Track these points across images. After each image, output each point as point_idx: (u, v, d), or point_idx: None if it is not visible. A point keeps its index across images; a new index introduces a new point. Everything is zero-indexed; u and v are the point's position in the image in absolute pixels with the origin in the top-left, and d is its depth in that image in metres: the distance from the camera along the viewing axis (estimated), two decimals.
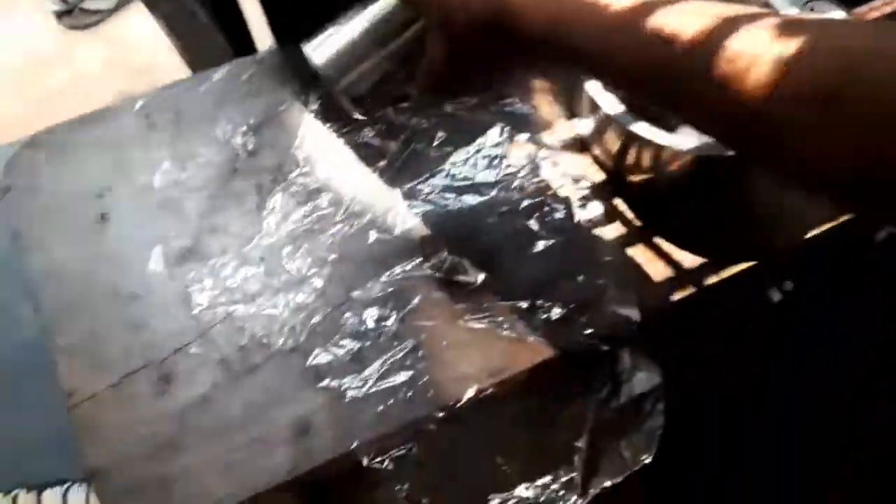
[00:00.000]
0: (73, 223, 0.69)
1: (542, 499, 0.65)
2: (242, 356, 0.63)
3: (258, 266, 0.67)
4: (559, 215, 0.69)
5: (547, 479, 0.65)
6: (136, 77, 1.97)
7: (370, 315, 0.65)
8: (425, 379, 0.63)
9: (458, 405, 0.62)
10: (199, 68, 1.01)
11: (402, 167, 0.72)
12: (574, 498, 0.64)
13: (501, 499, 0.65)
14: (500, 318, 0.65)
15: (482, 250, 0.68)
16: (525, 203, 0.69)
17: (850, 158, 0.34)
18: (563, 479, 0.65)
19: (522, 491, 0.65)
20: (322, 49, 0.55)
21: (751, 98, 0.36)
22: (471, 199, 0.70)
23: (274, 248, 0.68)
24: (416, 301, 0.66)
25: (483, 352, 0.64)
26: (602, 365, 0.65)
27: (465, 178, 0.71)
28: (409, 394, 0.62)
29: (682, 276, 0.68)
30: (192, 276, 0.66)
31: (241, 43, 0.82)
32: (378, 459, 0.62)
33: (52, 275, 0.67)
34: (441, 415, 0.63)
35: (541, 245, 0.67)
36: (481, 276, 0.66)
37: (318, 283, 0.66)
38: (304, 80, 0.63)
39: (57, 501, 1.30)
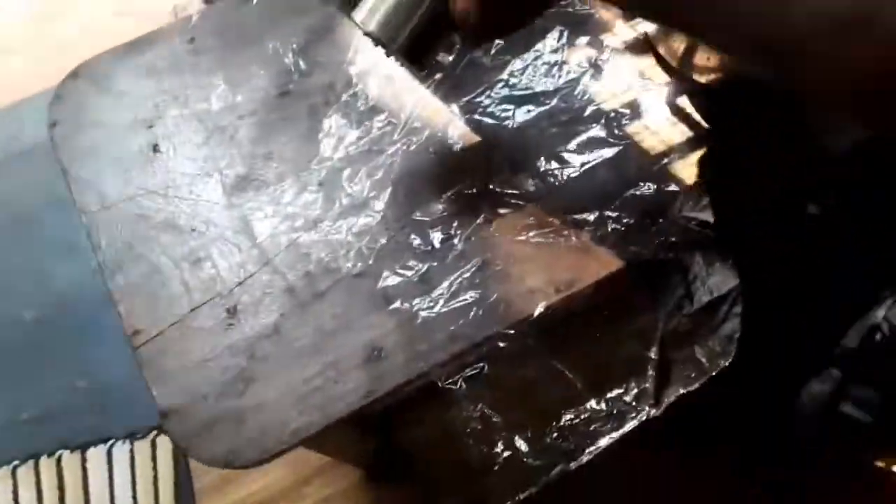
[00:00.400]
0: (124, 156, 0.67)
1: (614, 411, 0.64)
2: (309, 283, 0.62)
3: (318, 191, 0.65)
4: (625, 121, 0.66)
5: (618, 391, 0.64)
6: (147, 23, 1.92)
7: (435, 235, 0.63)
8: (494, 297, 0.62)
9: (528, 321, 0.61)
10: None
11: (458, 80, 0.69)
12: (646, 408, 0.64)
13: (574, 413, 0.65)
14: (567, 232, 0.63)
15: (546, 162, 0.66)
16: (589, 110, 0.67)
17: (873, 78, 0.35)
18: (635, 391, 0.64)
19: (594, 404, 0.65)
20: (370, 16, 0.55)
21: (785, 20, 0.36)
22: (532, 110, 0.67)
23: (332, 172, 0.66)
24: (480, 218, 0.64)
25: (550, 266, 0.63)
26: (674, 272, 0.64)
27: (524, 88, 0.68)
28: (479, 312, 0.61)
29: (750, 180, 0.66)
30: (250, 204, 0.65)
31: None
32: (451, 380, 0.62)
33: (106, 211, 0.66)
34: (511, 332, 0.62)
35: (606, 153, 0.65)
36: (545, 189, 0.65)
37: (380, 205, 0.64)
38: None
39: (102, 459, 1.31)
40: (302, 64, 0.70)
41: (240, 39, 0.71)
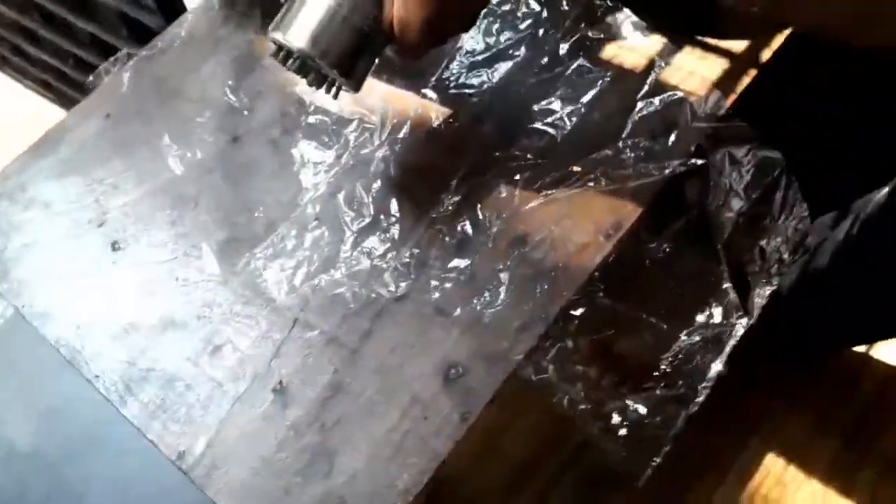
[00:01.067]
0: (80, 268, 0.56)
1: (708, 337, 0.60)
2: (351, 326, 0.54)
3: (319, 226, 0.57)
4: (601, 46, 0.62)
5: (703, 316, 0.60)
6: None
7: (465, 226, 0.57)
8: (549, 266, 0.56)
9: (592, 279, 0.56)
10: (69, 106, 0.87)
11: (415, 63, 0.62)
12: (738, 321, 0.60)
13: (671, 356, 0.60)
14: (591, 175, 0.58)
15: (541, 113, 0.60)
16: (562, 48, 0.62)
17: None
18: (720, 309, 0.60)
19: (685, 339, 0.60)
20: (295, 30, 0.50)
21: None
22: (504, 66, 0.62)
23: (326, 201, 0.58)
24: (502, 193, 0.58)
25: (590, 215, 0.57)
26: (711, 176, 0.60)
27: (487, 48, 0.62)
28: (543, 287, 0.55)
29: (737, 63, 0.64)
30: (251, 267, 0.56)
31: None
32: (541, 371, 0.56)
33: (85, 336, 0.55)
34: (578, 297, 0.56)
35: (598, 84, 0.61)
36: (552, 140, 0.59)
37: (392, 217, 0.57)
38: (263, 7, 0.53)
39: None
40: (244, 99, 0.61)
41: (165, 95, 0.62)
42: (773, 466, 0.99)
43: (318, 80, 0.52)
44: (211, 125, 0.60)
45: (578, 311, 0.56)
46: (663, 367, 0.59)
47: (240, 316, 0.55)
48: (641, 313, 0.60)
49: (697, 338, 0.59)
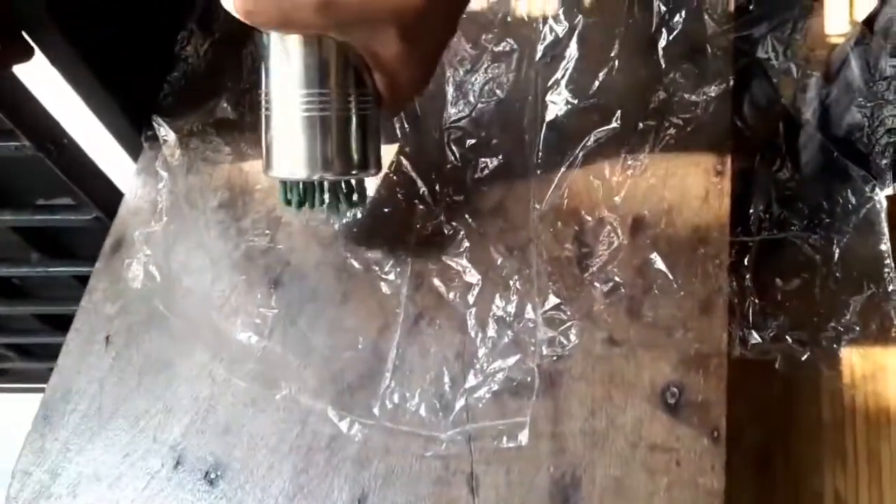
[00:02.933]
0: None
1: (859, 222, 0.53)
2: (533, 412, 0.43)
3: (432, 322, 0.45)
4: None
5: (840, 206, 0.54)
6: None
7: (579, 237, 0.47)
8: (688, 230, 0.47)
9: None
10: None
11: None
12: (873, 193, 0.53)
13: (837, 260, 0.52)
14: (661, 125, 0.51)
15: (576, 93, 0.52)
16: (556, 26, 0.54)
17: None
18: (850, 190, 0.54)
19: (839, 237, 0.53)
20: (290, 161, 0.42)
21: None
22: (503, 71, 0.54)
23: (419, 292, 0.46)
24: (593, 184, 0.49)
25: (689, 161, 0.50)
26: (770, 68, 0.54)
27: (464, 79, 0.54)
28: (699, 253, 0.47)
29: None
30: (390, 404, 0.43)
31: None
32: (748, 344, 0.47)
33: None
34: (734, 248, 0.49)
35: (615, 39, 0.53)
36: (607, 108, 0.52)
37: (503, 266, 0.46)
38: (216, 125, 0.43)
39: None
40: (265, 233, 0.49)
41: (169, 283, 0.48)
42: None
43: (347, 199, 0.46)
44: (243, 282, 0.47)
45: (745, 262, 0.48)
46: (837, 273, 0.52)
47: (409, 471, 0.42)
48: (794, 236, 0.52)
49: (849, 229, 0.53)
